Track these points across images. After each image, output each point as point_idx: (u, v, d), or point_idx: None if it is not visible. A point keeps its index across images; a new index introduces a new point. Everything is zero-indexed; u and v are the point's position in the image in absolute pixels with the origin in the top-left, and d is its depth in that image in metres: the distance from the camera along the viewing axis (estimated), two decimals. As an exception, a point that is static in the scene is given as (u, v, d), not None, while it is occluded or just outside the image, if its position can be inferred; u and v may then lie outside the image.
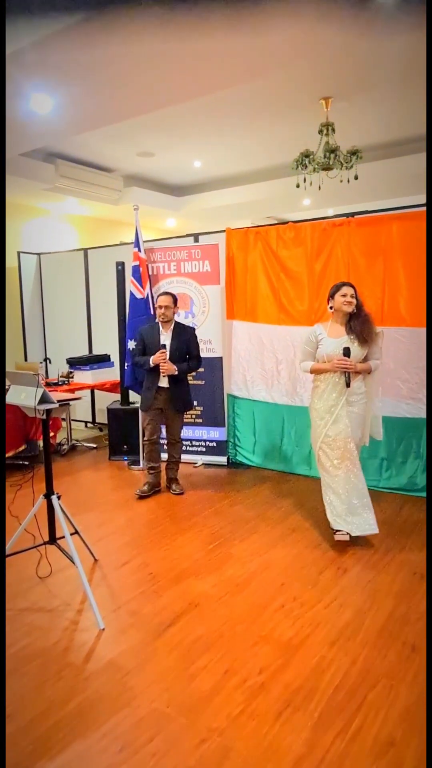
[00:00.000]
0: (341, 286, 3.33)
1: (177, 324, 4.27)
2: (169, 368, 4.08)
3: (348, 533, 3.34)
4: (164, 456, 4.64)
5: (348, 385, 3.28)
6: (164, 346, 4.11)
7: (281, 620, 2.63)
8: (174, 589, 2.94)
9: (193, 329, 4.31)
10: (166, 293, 4.23)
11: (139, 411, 4.46)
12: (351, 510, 3.33)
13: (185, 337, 4.21)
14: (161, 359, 4.07)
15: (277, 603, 2.79)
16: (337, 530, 3.36)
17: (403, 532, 3.57)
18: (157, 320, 4.27)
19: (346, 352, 3.26)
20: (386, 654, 2.38)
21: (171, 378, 4.14)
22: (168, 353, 4.12)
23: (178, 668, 2.31)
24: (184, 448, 5.04)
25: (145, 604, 2.81)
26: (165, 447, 4.52)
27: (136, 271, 4.95)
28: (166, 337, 4.21)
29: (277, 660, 2.35)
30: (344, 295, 3.30)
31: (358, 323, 3.30)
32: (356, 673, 2.26)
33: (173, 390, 4.18)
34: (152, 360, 4.12)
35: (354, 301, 3.29)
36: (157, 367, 4.11)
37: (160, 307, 4.16)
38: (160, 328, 4.24)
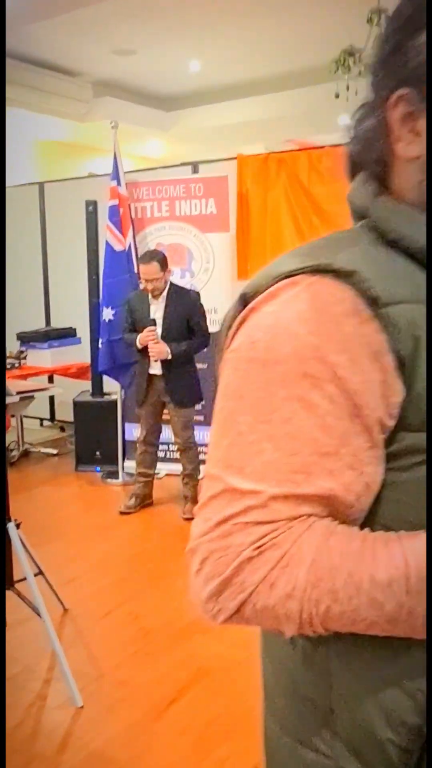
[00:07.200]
0: None
1: (173, 288, 4.20)
2: (159, 350, 4.06)
3: None
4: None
5: None
6: (153, 322, 4.10)
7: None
8: (177, 651, 2.90)
9: (196, 294, 4.26)
10: (149, 257, 4.12)
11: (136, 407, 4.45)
12: None
13: (184, 306, 4.16)
14: (150, 339, 4.06)
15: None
16: None
17: None
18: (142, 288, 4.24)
19: None
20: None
21: (165, 362, 4.11)
22: (159, 330, 4.09)
23: (191, 761, 2.26)
24: (166, 454, 5.03)
25: (137, 671, 2.76)
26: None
27: (114, 213, 4.84)
28: (156, 308, 4.17)
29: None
30: None
31: None
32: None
33: (169, 378, 4.16)
34: (139, 340, 4.11)
35: None
36: (147, 349, 4.11)
37: (146, 281, 4.12)
38: (150, 295, 4.19)
